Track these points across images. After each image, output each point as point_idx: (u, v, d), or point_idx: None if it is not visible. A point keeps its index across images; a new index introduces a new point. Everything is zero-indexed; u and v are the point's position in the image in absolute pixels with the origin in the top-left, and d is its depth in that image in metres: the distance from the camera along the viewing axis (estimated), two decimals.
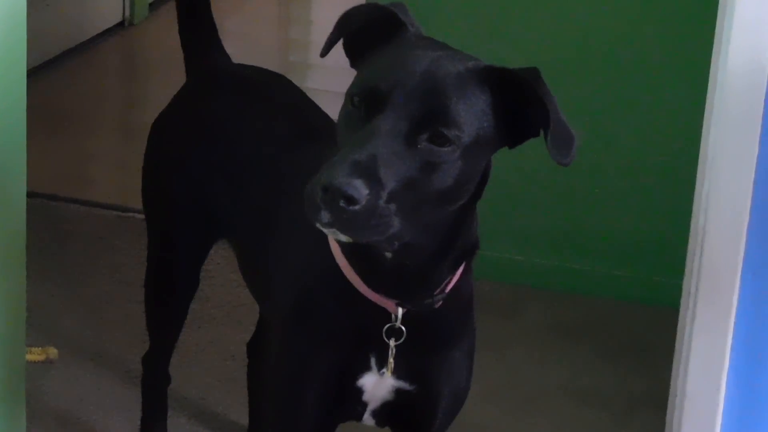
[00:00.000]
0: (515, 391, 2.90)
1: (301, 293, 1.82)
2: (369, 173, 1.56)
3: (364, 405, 1.82)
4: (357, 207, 1.55)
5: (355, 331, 1.78)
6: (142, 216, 3.55)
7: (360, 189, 1.55)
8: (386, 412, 1.83)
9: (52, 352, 2.85)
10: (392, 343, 1.76)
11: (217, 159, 2.14)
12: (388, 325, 1.76)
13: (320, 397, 1.80)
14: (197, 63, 2.32)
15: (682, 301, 2.23)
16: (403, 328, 1.76)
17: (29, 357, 2.73)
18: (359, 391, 1.81)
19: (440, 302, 1.76)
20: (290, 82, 2.28)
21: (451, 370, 1.83)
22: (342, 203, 1.55)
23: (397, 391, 1.81)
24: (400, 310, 1.75)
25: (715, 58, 2.11)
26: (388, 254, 1.70)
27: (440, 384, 1.82)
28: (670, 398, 2.29)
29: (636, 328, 3.17)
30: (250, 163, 2.09)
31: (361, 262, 1.73)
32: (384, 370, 1.79)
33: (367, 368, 1.79)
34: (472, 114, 1.63)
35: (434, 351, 1.81)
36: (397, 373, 1.80)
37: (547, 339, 3.10)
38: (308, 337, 1.80)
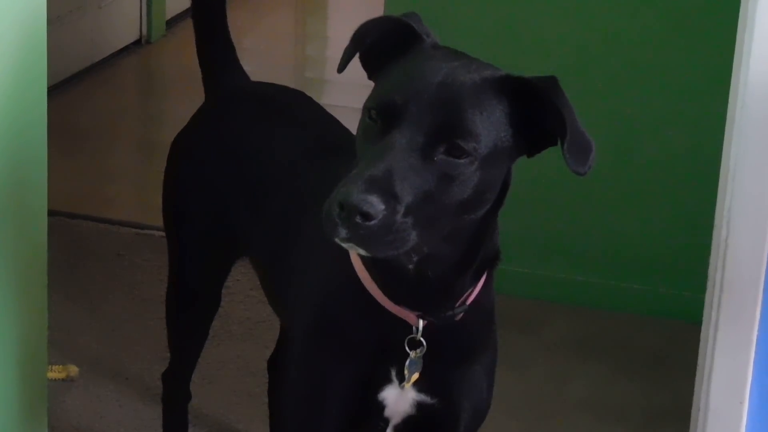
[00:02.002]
0: (535, 406, 2.89)
1: (322, 306, 1.82)
2: (385, 188, 1.56)
3: (387, 420, 1.82)
4: (373, 223, 1.55)
5: (375, 343, 1.77)
6: (161, 233, 3.55)
7: (376, 205, 1.55)
8: (408, 427, 1.83)
9: (73, 369, 2.85)
10: (412, 354, 1.75)
11: (237, 176, 2.15)
12: (409, 337, 1.75)
13: (341, 410, 1.80)
14: (216, 82, 2.32)
15: (705, 314, 2.22)
16: (423, 340, 1.75)
17: (50, 375, 2.73)
18: (381, 406, 1.80)
19: (461, 314, 1.76)
20: (309, 98, 2.28)
21: (473, 384, 1.82)
22: (358, 219, 1.55)
23: (419, 405, 1.80)
24: (421, 323, 1.74)
25: (736, 69, 2.10)
26: (410, 266, 1.69)
27: (462, 398, 1.81)
28: (693, 412, 2.28)
29: (656, 343, 3.16)
30: (270, 179, 2.09)
31: (383, 274, 1.73)
32: (404, 383, 1.78)
33: (387, 381, 1.79)
34: (489, 124, 1.62)
35: (456, 364, 1.80)
36: (419, 387, 1.79)
37: (567, 354, 3.10)
38: (329, 349, 1.79)
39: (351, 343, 1.78)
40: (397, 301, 1.74)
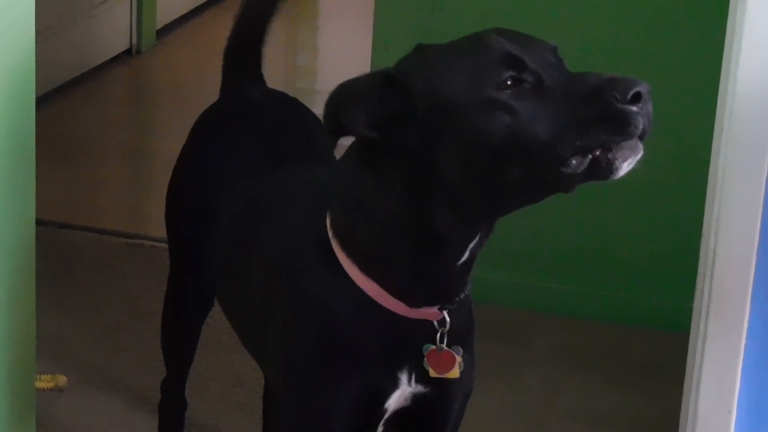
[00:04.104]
0: (525, 416, 2.89)
1: (324, 324, 1.76)
2: None
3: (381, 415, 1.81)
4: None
5: (387, 353, 1.75)
6: (151, 243, 3.56)
7: None
8: (400, 417, 1.80)
9: (62, 379, 2.85)
10: (445, 347, 1.74)
11: (206, 179, 2.16)
12: (439, 332, 1.74)
13: (347, 428, 1.78)
14: (228, 87, 2.34)
15: (693, 323, 2.22)
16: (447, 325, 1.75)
17: (39, 384, 2.73)
18: (384, 411, 1.79)
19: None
20: (299, 105, 2.30)
21: (464, 370, 1.80)
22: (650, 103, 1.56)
23: (414, 396, 1.79)
24: (446, 314, 1.74)
25: (725, 79, 2.11)
26: (466, 255, 1.69)
27: (454, 385, 1.79)
28: (681, 421, 2.28)
29: (646, 353, 3.17)
30: (228, 186, 2.08)
31: (424, 277, 1.71)
32: (411, 382, 1.77)
33: (395, 387, 1.77)
34: None
35: None
36: (416, 377, 1.77)
37: (556, 364, 3.10)
38: (336, 370, 1.75)
39: (360, 360, 1.75)
40: (417, 304, 1.72)
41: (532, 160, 1.58)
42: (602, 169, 1.58)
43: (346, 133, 1.65)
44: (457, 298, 1.75)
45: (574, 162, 1.57)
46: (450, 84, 1.62)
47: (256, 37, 2.36)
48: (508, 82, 1.59)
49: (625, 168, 1.60)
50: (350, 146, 1.75)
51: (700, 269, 2.19)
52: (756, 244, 2.13)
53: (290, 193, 1.91)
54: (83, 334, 3.08)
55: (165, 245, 2.40)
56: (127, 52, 5.06)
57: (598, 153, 1.57)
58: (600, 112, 1.56)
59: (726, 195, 2.12)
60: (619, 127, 1.56)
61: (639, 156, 1.60)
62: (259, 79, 2.36)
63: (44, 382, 2.81)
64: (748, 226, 2.12)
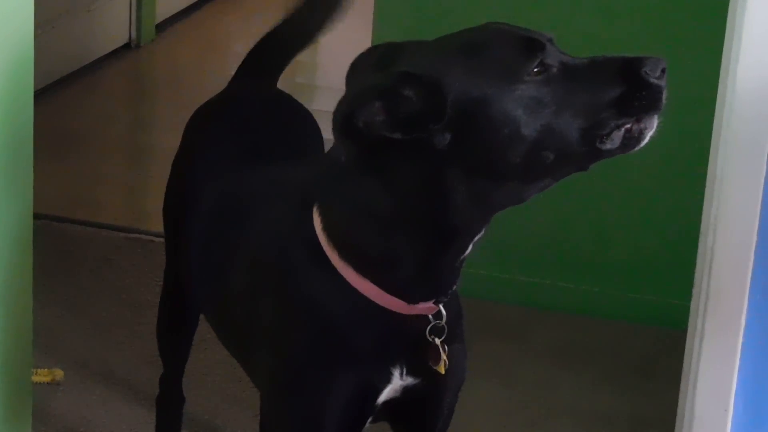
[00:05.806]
0: (522, 413, 2.89)
1: (318, 326, 1.75)
2: None
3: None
4: None
5: (380, 350, 1.75)
6: (149, 237, 3.56)
7: None
8: (387, 408, 1.80)
9: (59, 373, 2.85)
10: (437, 341, 1.74)
11: (195, 175, 2.15)
12: (432, 325, 1.74)
13: (341, 426, 1.78)
14: (237, 80, 2.33)
15: (690, 322, 2.23)
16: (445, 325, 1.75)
17: (35, 378, 2.73)
18: (377, 405, 1.79)
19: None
20: (288, 103, 2.28)
21: (455, 361, 1.80)
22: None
23: (404, 389, 1.78)
24: (442, 307, 1.74)
25: (724, 78, 2.11)
26: (469, 249, 1.70)
27: (446, 376, 1.78)
28: (678, 420, 2.28)
29: (643, 350, 3.17)
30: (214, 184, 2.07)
31: (427, 274, 1.70)
32: (402, 376, 1.77)
33: (387, 382, 1.76)
34: None
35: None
36: (408, 370, 1.77)
37: (554, 361, 3.10)
38: (332, 368, 1.75)
39: (354, 357, 1.75)
40: (415, 301, 1.72)
41: (571, 142, 1.61)
42: (632, 140, 1.65)
43: (362, 136, 1.60)
44: (451, 291, 1.75)
45: (612, 136, 1.63)
46: (481, 76, 1.61)
47: (295, 45, 2.34)
48: (536, 69, 1.61)
49: (647, 138, 1.67)
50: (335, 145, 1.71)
51: (698, 267, 2.19)
52: (754, 243, 2.13)
53: (274, 192, 1.89)
54: (81, 328, 3.08)
55: (163, 240, 2.40)
56: (126, 46, 5.06)
57: (629, 125, 1.64)
58: (636, 87, 1.62)
59: (724, 193, 2.12)
60: (654, 101, 1.63)
61: (656, 126, 1.67)
62: (269, 83, 2.32)
63: (41, 375, 2.81)
64: (746, 224, 2.12)
